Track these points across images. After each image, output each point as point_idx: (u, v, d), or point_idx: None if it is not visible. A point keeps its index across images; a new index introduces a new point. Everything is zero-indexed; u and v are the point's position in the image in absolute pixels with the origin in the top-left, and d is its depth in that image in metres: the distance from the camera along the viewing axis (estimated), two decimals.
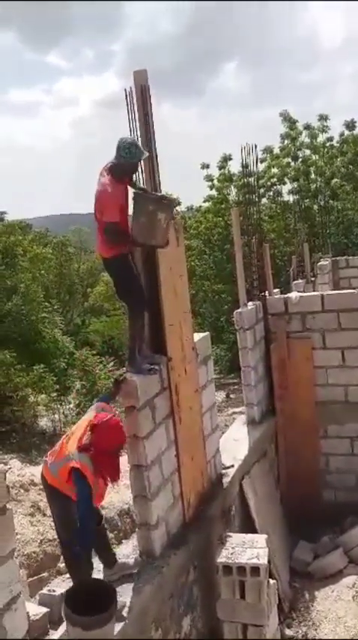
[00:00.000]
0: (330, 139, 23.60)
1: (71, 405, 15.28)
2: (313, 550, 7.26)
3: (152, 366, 4.76)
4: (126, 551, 4.88)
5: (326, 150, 23.26)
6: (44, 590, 6.08)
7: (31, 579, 6.65)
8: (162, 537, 4.72)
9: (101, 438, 3.95)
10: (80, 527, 3.90)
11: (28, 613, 5.00)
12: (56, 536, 7.52)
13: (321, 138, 23.16)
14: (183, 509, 5.10)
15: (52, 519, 7.28)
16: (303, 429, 7.92)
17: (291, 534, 7.41)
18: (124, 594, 4.25)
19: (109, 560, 4.42)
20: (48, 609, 5.49)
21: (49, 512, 7.85)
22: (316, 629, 6.04)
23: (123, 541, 7.83)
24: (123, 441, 4.14)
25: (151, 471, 4.56)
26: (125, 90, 4.73)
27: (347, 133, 23.37)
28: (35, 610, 5.32)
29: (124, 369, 4.79)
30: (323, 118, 22.94)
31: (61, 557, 4.29)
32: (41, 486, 8.37)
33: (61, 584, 6.36)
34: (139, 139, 4.79)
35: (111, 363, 15.30)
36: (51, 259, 26.04)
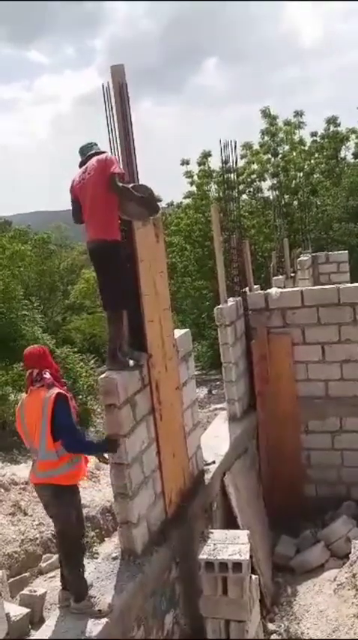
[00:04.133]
0: (314, 133, 23.80)
1: None
2: (295, 545, 7.32)
3: (135, 361, 4.75)
4: (109, 550, 4.86)
5: (305, 146, 23.44)
6: (25, 591, 6.04)
7: (11, 579, 6.59)
8: (143, 535, 4.70)
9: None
10: (81, 444, 4.12)
11: (8, 614, 4.97)
12: (38, 536, 7.49)
13: (298, 134, 23.35)
14: (164, 506, 5.09)
15: (34, 522, 7.19)
16: (284, 424, 7.96)
17: (273, 529, 7.45)
18: (106, 593, 4.23)
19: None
20: (29, 609, 5.45)
21: (30, 511, 7.82)
22: (298, 623, 6.09)
23: (105, 539, 7.82)
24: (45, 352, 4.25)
25: (132, 469, 4.53)
26: (102, 85, 4.68)
27: (332, 128, 23.64)
28: (16, 610, 5.29)
29: (105, 366, 4.75)
30: (298, 114, 23.12)
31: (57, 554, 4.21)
32: (22, 485, 8.33)
33: (43, 584, 6.33)
34: (117, 134, 4.76)
35: (92, 361, 15.23)
36: (31, 256, 25.78)
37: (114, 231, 4.55)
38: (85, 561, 4.75)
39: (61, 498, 4.07)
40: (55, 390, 4.01)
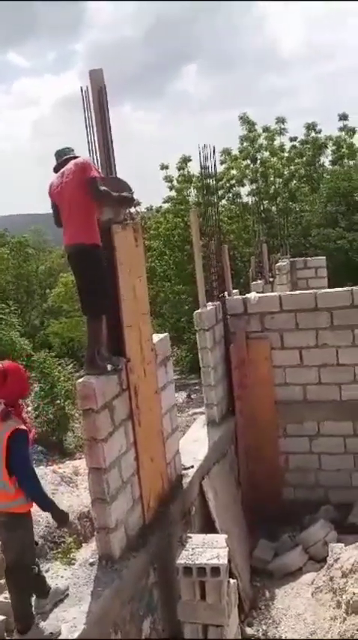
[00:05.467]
0: (294, 138, 24.07)
1: (29, 409, 15.03)
2: (273, 548, 7.33)
3: (113, 366, 4.74)
4: (86, 555, 4.82)
5: (285, 152, 23.68)
6: (1, 598, 5.94)
7: None
8: (121, 540, 4.68)
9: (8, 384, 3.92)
10: (36, 485, 3.94)
11: None
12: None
13: (279, 140, 23.59)
14: (142, 511, 5.07)
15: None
16: (263, 428, 7.99)
17: (252, 533, 7.46)
18: (83, 599, 4.19)
19: (44, 590, 4.28)
20: (5, 617, 5.36)
21: None
22: (276, 627, 6.10)
23: (82, 545, 7.74)
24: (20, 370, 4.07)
25: (110, 474, 4.51)
26: (81, 89, 4.67)
27: (313, 134, 23.94)
28: None
29: (84, 371, 4.73)
30: (280, 120, 23.36)
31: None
32: None
33: None
34: (96, 138, 4.76)
35: (71, 365, 15.12)
36: (8, 260, 25.61)
37: (93, 234, 4.53)
38: (62, 567, 4.70)
39: (15, 525, 3.97)
40: (12, 426, 3.84)
